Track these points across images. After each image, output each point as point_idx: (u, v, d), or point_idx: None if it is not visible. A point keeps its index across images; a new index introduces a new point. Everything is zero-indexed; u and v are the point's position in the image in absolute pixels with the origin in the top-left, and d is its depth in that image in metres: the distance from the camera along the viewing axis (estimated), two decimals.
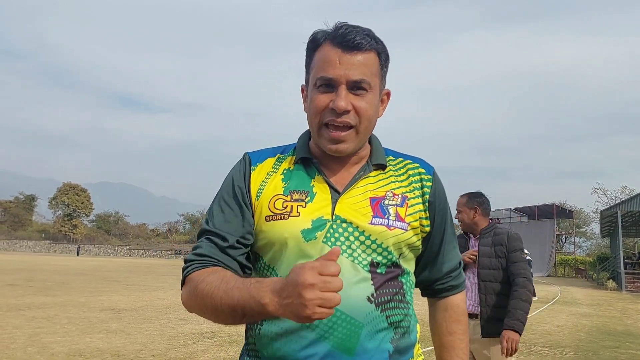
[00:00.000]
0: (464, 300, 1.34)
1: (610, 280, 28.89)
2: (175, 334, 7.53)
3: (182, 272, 1.15)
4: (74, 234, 76.64)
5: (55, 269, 24.82)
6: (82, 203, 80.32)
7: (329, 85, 1.13)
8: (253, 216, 1.19)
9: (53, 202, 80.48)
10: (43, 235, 76.38)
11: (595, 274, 36.62)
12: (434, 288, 1.32)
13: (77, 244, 68.52)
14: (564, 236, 61.25)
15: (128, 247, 70.53)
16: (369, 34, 1.15)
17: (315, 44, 1.17)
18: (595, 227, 59.44)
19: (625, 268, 27.92)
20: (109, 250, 69.61)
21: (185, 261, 1.16)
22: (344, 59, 1.12)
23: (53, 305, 10.35)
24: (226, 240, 1.16)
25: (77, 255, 58.82)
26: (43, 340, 6.65)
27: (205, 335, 7.58)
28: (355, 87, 1.13)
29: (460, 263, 1.35)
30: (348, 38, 1.12)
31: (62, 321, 8.34)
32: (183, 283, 1.15)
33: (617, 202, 37.67)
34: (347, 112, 1.12)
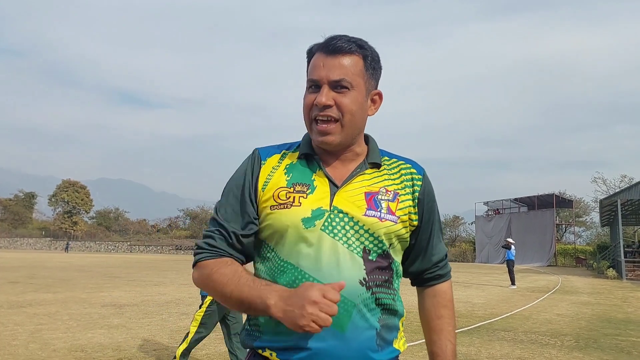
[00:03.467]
0: (450, 288, 1.49)
1: (611, 268, 28.94)
2: (177, 329, 7.54)
3: (195, 255, 1.32)
4: (74, 230, 76.66)
5: (56, 266, 24.85)
6: (81, 200, 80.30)
7: (316, 86, 1.29)
8: (258, 207, 1.33)
9: (53, 200, 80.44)
10: (43, 232, 76.43)
11: (595, 263, 36.70)
12: (423, 277, 1.46)
13: (66, 240, 68.11)
14: (564, 226, 61.33)
15: (129, 243, 70.62)
16: (354, 40, 1.31)
17: (310, 55, 1.34)
18: (595, 217, 59.52)
19: (625, 256, 27.97)
20: (109, 247, 69.69)
21: (198, 247, 1.33)
22: (327, 62, 1.28)
23: (54, 302, 10.36)
24: (234, 234, 1.31)
25: (66, 251, 58.37)
26: (45, 336, 6.65)
27: None
28: (337, 85, 1.27)
29: (446, 255, 1.49)
30: (331, 43, 1.28)
31: (64, 317, 8.35)
32: (194, 265, 1.33)
33: (616, 190, 37.67)
34: (328, 106, 1.27)
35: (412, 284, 1.50)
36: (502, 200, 60.62)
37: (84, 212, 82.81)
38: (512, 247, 19.90)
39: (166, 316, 8.77)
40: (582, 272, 34.37)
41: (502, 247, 19.90)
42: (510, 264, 19.36)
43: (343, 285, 1.13)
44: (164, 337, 6.90)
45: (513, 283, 18.65)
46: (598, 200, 41.08)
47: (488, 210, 63.24)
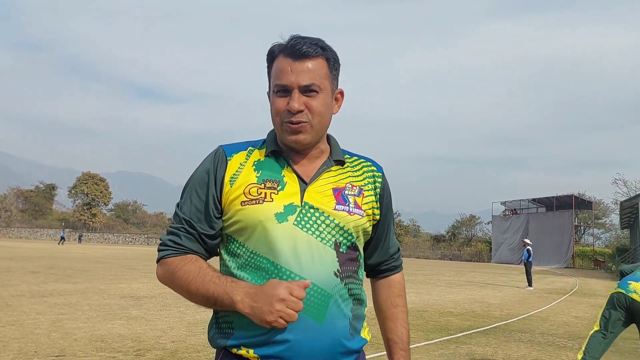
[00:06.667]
0: (403, 278, 1.60)
1: None
2: (194, 321, 7.63)
3: (159, 251, 1.36)
4: (93, 222, 77.78)
5: (75, 257, 25.26)
6: (100, 192, 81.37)
7: (285, 91, 1.32)
8: (223, 204, 1.36)
9: (72, 191, 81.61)
10: (63, 223, 77.65)
11: (614, 266, 36.17)
12: (380, 269, 1.55)
13: (79, 232, 69.20)
14: (582, 227, 60.50)
15: (146, 236, 71.42)
16: (317, 43, 1.34)
17: (272, 56, 1.37)
18: (614, 219, 58.58)
19: None
20: (127, 239, 70.59)
21: (162, 244, 1.36)
22: (295, 67, 1.32)
23: (74, 292, 10.56)
24: (198, 232, 1.35)
25: (79, 242, 59.22)
26: (66, 326, 6.79)
27: None
28: (307, 90, 1.32)
29: (398, 248, 1.60)
30: (297, 48, 1.32)
31: (84, 307, 8.51)
32: (158, 261, 1.37)
33: (637, 192, 37.02)
34: (300, 111, 1.31)
35: (367, 276, 1.56)
36: (520, 200, 60.03)
37: (103, 204, 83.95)
38: (530, 247, 19.71)
39: (184, 309, 8.88)
40: (601, 275, 33.87)
41: (526, 248, 19.70)
42: (528, 265, 19.18)
43: (308, 284, 1.21)
44: (181, 329, 7.00)
45: (530, 284, 18.46)
46: (618, 202, 40.43)
47: (505, 210, 62.64)
